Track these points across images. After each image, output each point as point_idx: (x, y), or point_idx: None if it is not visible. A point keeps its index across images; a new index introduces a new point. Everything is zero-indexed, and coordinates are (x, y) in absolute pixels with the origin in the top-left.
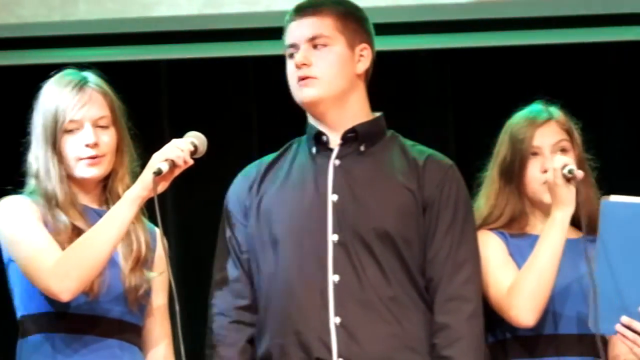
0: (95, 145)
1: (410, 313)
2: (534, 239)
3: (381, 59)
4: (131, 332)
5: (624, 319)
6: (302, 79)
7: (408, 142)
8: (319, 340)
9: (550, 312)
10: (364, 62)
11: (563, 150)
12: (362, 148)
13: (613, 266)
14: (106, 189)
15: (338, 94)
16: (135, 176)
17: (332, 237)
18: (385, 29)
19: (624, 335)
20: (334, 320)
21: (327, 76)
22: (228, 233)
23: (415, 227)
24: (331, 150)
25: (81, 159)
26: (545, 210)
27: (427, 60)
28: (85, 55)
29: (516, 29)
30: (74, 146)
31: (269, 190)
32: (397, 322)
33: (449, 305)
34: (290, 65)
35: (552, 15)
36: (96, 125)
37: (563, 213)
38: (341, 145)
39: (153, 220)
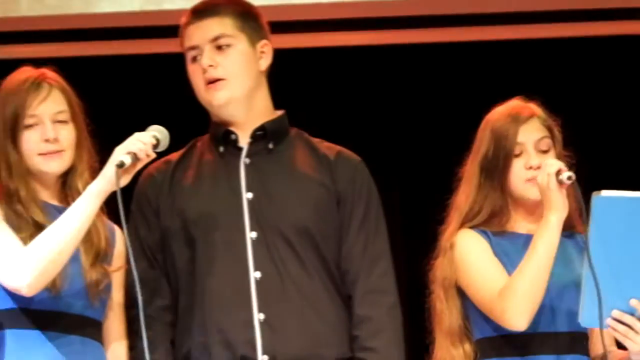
0: (55, 140)
1: (330, 306)
2: (518, 237)
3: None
4: (92, 327)
5: (615, 312)
6: (210, 81)
7: (314, 139)
8: (243, 337)
9: (542, 310)
10: (266, 58)
11: (545, 152)
12: (270, 146)
13: (603, 260)
14: (65, 185)
15: (247, 93)
16: (94, 172)
17: (251, 235)
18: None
19: (615, 329)
20: (257, 317)
21: (235, 76)
22: (141, 233)
23: (331, 221)
24: (240, 149)
25: (41, 154)
26: (529, 207)
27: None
28: (27, 51)
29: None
30: (34, 141)
31: (181, 189)
32: (319, 315)
33: (369, 298)
34: (193, 68)
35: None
36: (55, 121)
37: (556, 216)
38: (250, 144)
39: (116, 214)
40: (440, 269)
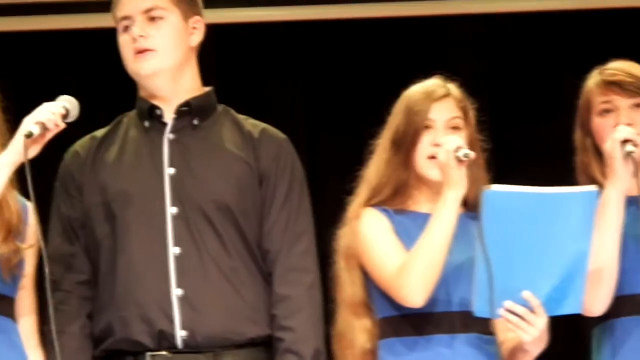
0: None
1: (250, 284)
2: (419, 217)
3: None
4: (4, 303)
5: (507, 303)
6: (139, 52)
7: (241, 116)
8: (161, 312)
9: (441, 290)
10: (198, 34)
11: (456, 128)
12: (195, 122)
13: (495, 252)
14: None
15: (176, 67)
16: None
17: (171, 210)
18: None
19: (507, 320)
20: (176, 292)
21: (165, 48)
22: (63, 209)
23: (253, 199)
24: (165, 124)
25: None
26: (432, 187)
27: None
28: None
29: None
30: None
31: (104, 165)
32: (238, 293)
33: (289, 277)
34: (124, 38)
35: None
36: None
37: (454, 194)
38: (175, 120)
39: (24, 185)
40: (344, 239)
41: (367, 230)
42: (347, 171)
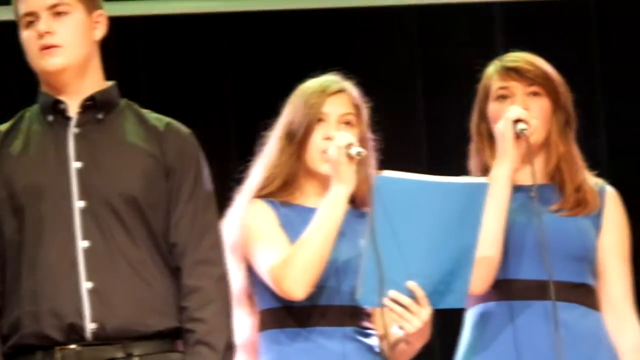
0: None
1: (158, 276)
2: (305, 210)
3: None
4: None
5: (392, 292)
6: (45, 47)
7: (143, 110)
8: (71, 305)
9: (324, 283)
10: (101, 28)
11: (348, 124)
12: (100, 116)
13: (384, 240)
14: None
15: (81, 62)
16: None
17: (79, 204)
18: None
19: (391, 309)
20: (85, 285)
21: (70, 44)
22: None
23: (160, 192)
24: (69, 118)
25: None
26: (321, 180)
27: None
28: None
29: None
30: None
31: (9, 160)
32: (146, 285)
33: (198, 269)
34: (27, 33)
35: None
36: None
37: (342, 189)
38: (80, 114)
39: None
40: (229, 229)
41: (252, 222)
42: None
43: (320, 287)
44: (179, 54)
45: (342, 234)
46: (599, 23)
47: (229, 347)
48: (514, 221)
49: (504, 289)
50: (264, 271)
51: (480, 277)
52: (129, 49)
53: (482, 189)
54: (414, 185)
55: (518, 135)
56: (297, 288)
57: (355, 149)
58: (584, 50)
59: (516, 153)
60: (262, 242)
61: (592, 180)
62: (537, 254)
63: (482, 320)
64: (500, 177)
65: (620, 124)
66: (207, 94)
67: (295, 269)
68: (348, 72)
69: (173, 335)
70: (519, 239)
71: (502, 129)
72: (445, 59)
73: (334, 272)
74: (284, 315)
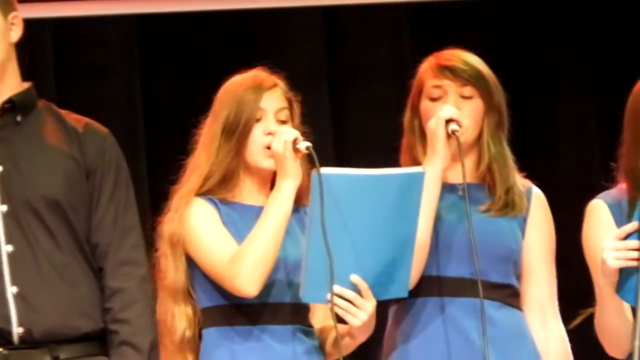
0: None
1: (83, 279)
2: (245, 208)
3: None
4: None
5: (336, 287)
6: None
7: (62, 111)
8: None
9: (273, 281)
10: (16, 30)
11: (283, 122)
12: (19, 118)
13: (323, 236)
14: None
15: (0, 64)
16: None
17: (1, 208)
18: None
19: (336, 304)
20: (11, 290)
21: None
22: None
23: (81, 194)
24: None
25: None
26: (260, 177)
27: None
28: None
29: None
30: None
31: None
32: (72, 288)
33: (120, 270)
34: None
35: None
36: None
37: (290, 184)
38: None
39: None
40: (168, 225)
41: (196, 219)
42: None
43: (268, 285)
44: (92, 54)
45: (286, 231)
46: (505, 23)
47: (154, 347)
48: (443, 219)
49: (432, 285)
50: (212, 269)
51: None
52: (37, 50)
53: (418, 178)
54: (350, 179)
55: (449, 135)
56: (249, 285)
57: (304, 143)
58: (491, 50)
59: (447, 152)
60: (208, 239)
61: (521, 182)
62: (466, 253)
63: (409, 316)
64: (430, 176)
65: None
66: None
67: (246, 266)
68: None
69: (100, 338)
70: (448, 237)
71: (433, 127)
72: (350, 59)
73: (282, 269)
74: (233, 312)
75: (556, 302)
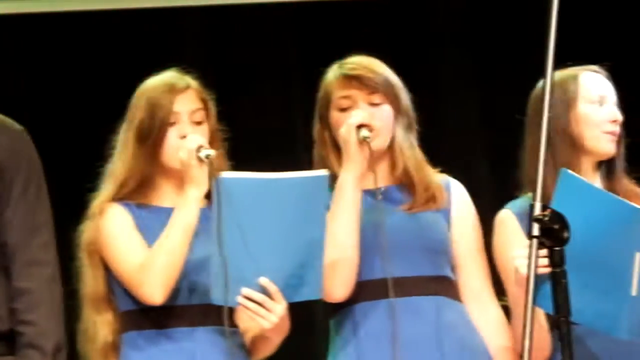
0: None
1: None
2: (162, 211)
3: None
4: None
5: (245, 290)
6: None
7: None
8: None
9: (182, 284)
10: None
11: (199, 123)
12: None
13: (230, 240)
14: None
15: None
16: None
17: None
18: None
19: (246, 307)
20: None
21: None
22: None
23: None
24: None
25: None
26: (178, 179)
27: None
28: None
29: None
30: None
31: None
32: None
33: (28, 270)
34: None
35: None
36: None
37: (195, 192)
38: None
39: None
40: (87, 234)
41: (109, 226)
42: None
43: (176, 288)
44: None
45: (196, 234)
46: (394, 22)
47: (58, 349)
48: (364, 224)
49: (375, 287)
50: (122, 276)
51: (341, 282)
52: None
53: (320, 181)
54: (254, 183)
55: (362, 141)
56: (155, 292)
57: (205, 152)
58: (377, 49)
59: (362, 158)
60: (120, 246)
61: (438, 177)
62: (390, 253)
63: (348, 323)
64: (347, 183)
65: None
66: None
67: (152, 274)
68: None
69: (7, 338)
70: (371, 241)
71: (345, 135)
72: (233, 58)
73: (190, 271)
74: (141, 317)
75: (491, 289)
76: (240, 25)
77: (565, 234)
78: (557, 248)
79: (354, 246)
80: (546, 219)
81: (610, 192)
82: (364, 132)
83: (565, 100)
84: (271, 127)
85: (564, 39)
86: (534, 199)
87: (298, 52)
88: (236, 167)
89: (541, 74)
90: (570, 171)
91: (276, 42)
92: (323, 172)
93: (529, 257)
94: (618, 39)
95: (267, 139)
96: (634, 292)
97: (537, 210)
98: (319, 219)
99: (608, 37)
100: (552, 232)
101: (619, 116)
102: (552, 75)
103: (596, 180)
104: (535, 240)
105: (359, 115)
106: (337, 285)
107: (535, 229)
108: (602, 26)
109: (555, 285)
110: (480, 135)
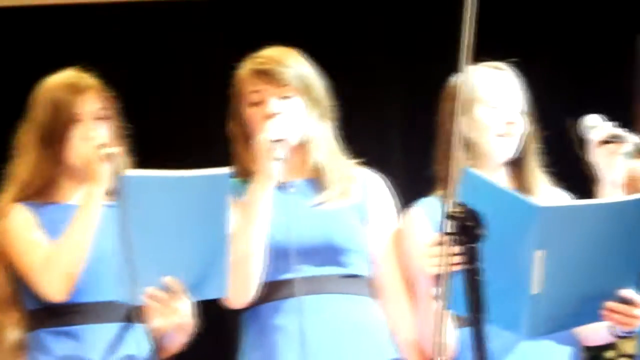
0: None
1: None
2: (67, 208)
3: None
4: None
5: (149, 289)
6: None
7: None
8: None
9: (87, 281)
10: None
11: (102, 119)
12: None
13: (136, 238)
14: None
15: None
16: None
17: None
18: None
19: (150, 305)
20: None
21: None
22: None
23: None
24: None
25: None
26: (82, 177)
27: None
28: None
29: None
30: None
31: None
32: None
33: None
34: None
35: None
36: None
37: (98, 189)
38: None
39: None
40: None
41: (12, 227)
42: None
43: (81, 285)
44: None
45: (99, 230)
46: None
47: None
48: (273, 221)
49: (270, 289)
50: (26, 275)
51: (242, 294)
52: None
53: (222, 179)
54: (158, 181)
55: (276, 159)
56: (57, 290)
57: (107, 150)
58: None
59: (274, 174)
60: (21, 245)
61: (354, 169)
62: (298, 252)
63: (257, 322)
64: (257, 195)
65: None
66: None
67: (54, 271)
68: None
69: None
70: (280, 239)
71: (259, 148)
72: (141, 55)
73: (94, 268)
74: (47, 315)
75: (404, 285)
76: (149, 21)
77: (479, 231)
78: (471, 245)
79: (260, 254)
80: (461, 216)
81: (512, 190)
82: (279, 153)
83: (461, 103)
84: (183, 123)
85: (482, 34)
86: (446, 196)
87: (212, 47)
88: (145, 164)
89: (454, 70)
90: (471, 169)
91: (189, 37)
92: (225, 170)
93: (443, 254)
94: (534, 32)
95: (178, 135)
96: (534, 290)
97: (451, 208)
98: (222, 217)
99: (522, 31)
100: (466, 229)
101: (514, 117)
102: (466, 72)
103: (502, 178)
104: (449, 237)
105: (275, 128)
106: (238, 297)
107: (449, 226)
108: (512, 21)
109: (470, 282)
110: (401, 130)
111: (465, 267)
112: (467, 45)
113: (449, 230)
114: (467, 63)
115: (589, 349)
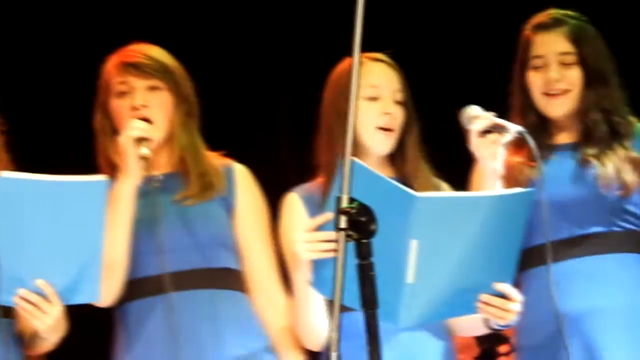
0: None
1: None
2: None
3: None
4: None
5: (21, 291)
6: None
7: None
8: None
9: None
10: None
11: None
12: None
13: (6, 239)
14: None
15: None
16: None
17: None
18: None
19: (22, 308)
20: None
21: None
22: None
23: None
24: None
25: None
26: None
27: None
28: None
29: None
30: None
31: None
32: None
33: None
34: None
35: None
36: None
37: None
38: None
39: None
40: None
41: None
42: None
43: None
44: None
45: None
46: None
47: None
48: (138, 217)
49: (136, 287)
50: None
51: (111, 290)
52: None
53: (99, 186)
54: (32, 185)
55: (140, 157)
56: None
57: (143, 149)
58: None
59: (139, 172)
60: None
61: (219, 162)
62: (164, 248)
63: (126, 321)
64: (124, 195)
65: None
66: None
67: None
68: None
69: None
70: (145, 236)
71: (123, 146)
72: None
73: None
74: None
75: (276, 276)
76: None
77: (373, 227)
78: (364, 240)
79: (125, 255)
80: (353, 211)
81: (390, 179)
82: (144, 150)
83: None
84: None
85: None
86: (341, 191)
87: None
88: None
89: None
90: (354, 159)
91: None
92: (101, 178)
93: (337, 250)
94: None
95: (59, 135)
96: (409, 280)
97: (344, 203)
98: (98, 224)
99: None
100: (359, 225)
101: (391, 109)
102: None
103: (384, 169)
104: (342, 233)
105: (137, 126)
106: (107, 293)
107: (343, 222)
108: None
109: (363, 278)
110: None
111: (359, 262)
112: (359, 32)
113: (341, 226)
114: (357, 54)
115: (481, 342)
